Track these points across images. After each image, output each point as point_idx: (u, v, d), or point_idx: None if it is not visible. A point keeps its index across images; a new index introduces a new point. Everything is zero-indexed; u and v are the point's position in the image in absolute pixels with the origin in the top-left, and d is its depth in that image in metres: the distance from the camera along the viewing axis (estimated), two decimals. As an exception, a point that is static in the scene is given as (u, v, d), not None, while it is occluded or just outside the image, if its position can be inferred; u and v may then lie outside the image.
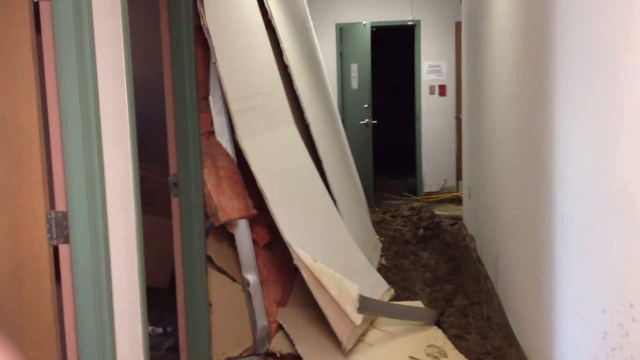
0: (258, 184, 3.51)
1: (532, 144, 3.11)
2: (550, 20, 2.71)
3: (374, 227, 6.28)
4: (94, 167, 2.08)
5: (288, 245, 3.52)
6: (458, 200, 7.81)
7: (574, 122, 2.39)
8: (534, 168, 3.07)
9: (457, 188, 8.31)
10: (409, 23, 8.33)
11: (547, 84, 2.76)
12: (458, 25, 8.05)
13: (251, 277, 3.75)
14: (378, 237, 6.00)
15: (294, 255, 3.52)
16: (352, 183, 5.38)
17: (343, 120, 7.58)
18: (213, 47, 3.46)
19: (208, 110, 3.69)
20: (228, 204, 3.58)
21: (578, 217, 2.36)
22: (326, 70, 6.42)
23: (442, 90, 8.37)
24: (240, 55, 3.72)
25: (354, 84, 7.99)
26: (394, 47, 11.24)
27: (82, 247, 2.04)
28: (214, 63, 3.49)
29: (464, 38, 6.53)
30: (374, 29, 7.84)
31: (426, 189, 8.50)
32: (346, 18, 8.24)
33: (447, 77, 8.35)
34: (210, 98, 3.72)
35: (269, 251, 3.93)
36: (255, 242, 3.81)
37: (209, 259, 3.66)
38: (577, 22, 2.34)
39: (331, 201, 4.20)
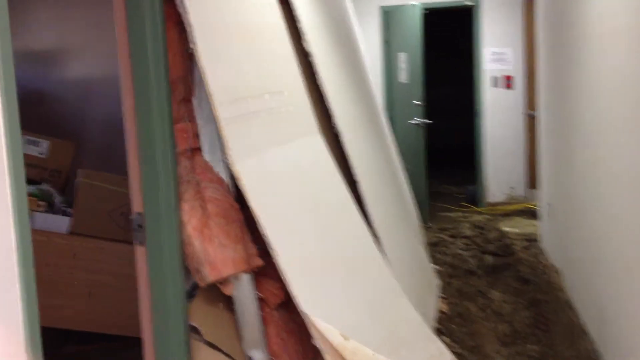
0: (259, 227, 2.39)
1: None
2: None
3: (429, 250, 5.09)
4: None
5: (305, 317, 2.39)
6: (529, 213, 6.53)
7: None
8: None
9: (528, 198, 7.01)
10: (468, 3, 7.08)
11: None
12: (529, 4, 6.75)
13: (258, 355, 2.64)
14: (434, 266, 4.81)
15: (313, 333, 2.38)
16: (400, 204, 4.19)
17: (389, 120, 6.38)
18: (190, 26, 2.34)
19: (190, 118, 2.58)
20: (218, 254, 2.46)
21: None
22: (368, 61, 5.24)
23: (508, 81, 7.08)
24: (236, 39, 2.59)
25: (403, 77, 6.79)
26: (448, 33, 9.98)
27: None
28: (192, 48, 2.37)
29: (541, 17, 5.26)
30: (426, 11, 6.62)
31: (490, 199, 7.23)
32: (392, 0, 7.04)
33: (514, 66, 7.06)
34: (194, 101, 2.61)
35: (284, 313, 2.80)
36: (264, 302, 2.69)
37: (195, 331, 2.56)
38: None
39: (370, 238, 3.03)
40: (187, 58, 2.53)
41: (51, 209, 4.01)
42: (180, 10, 2.35)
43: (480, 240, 5.62)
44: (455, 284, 4.55)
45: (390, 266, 3.12)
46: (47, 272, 3.90)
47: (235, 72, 2.52)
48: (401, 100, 6.90)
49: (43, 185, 4.10)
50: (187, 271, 2.51)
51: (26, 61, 5.83)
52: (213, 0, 2.53)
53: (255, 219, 2.38)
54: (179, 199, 2.45)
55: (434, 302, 4.02)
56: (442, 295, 4.28)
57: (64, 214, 3.99)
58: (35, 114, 5.82)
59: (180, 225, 2.44)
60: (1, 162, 1.59)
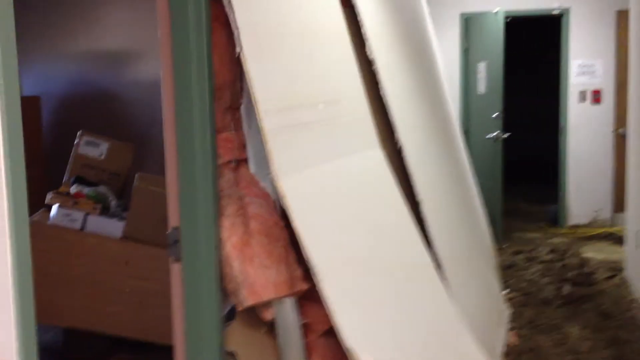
0: (302, 249, 2.17)
1: None
2: None
3: (500, 273, 4.74)
4: None
5: (348, 354, 2.15)
6: (614, 239, 6.04)
7: None
8: None
9: (614, 222, 6.51)
10: (555, 12, 6.65)
11: None
12: (621, 15, 6.27)
13: (299, 386, 2.42)
14: (505, 292, 4.47)
15: (357, 372, 2.14)
16: (470, 224, 3.89)
17: (465, 134, 6.06)
18: (237, 26, 2.15)
19: (237, 127, 2.40)
20: (259, 276, 2.26)
21: None
22: (445, 70, 4.96)
23: (597, 96, 6.61)
24: (288, 42, 2.39)
25: (481, 88, 6.44)
26: (532, 43, 9.50)
27: None
28: (239, 52, 2.18)
29: (636, 28, 4.83)
30: (509, 19, 6.25)
31: (571, 220, 6.76)
32: (474, 6, 6.70)
33: (603, 80, 6.59)
34: (243, 109, 2.42)
35: (331, 340, 2.57)
36: (308, 328, 2.47)
37: (232, 357, 2.37)
38: None
39: (430, 265, 2.76)
40: (236, 63, 2.34)
41: (106, 212, 3.93)
42: (227, 9, 2.17)
43: (558, 266, 5.22)
44: (528, 314, 4.20)
45: (453, 296, 2.84)
46: (100, 277, 3.82)
47: (285, 78, 2.31)
48: (478, 112, 6.55)
49: (100, 187, 4.03)
50: (225, 292, 2.32)
51: (96, 61, 5.85)
52: (266, 2, 2.34)
53: (299, 241, 2.17)
54: (219, 214, 2.26)
55: (502, 334, 3.69)
56: (512, 326, 3.94)
57: (119, 218, 3.91)
58: (103, 114, 5.83)
59: (219, 242, 2.25)
60: None
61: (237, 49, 2.18)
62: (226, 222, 2.28)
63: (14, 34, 1.48)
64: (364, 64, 2.90)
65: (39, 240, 3.84)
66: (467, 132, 6.48)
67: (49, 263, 3.76)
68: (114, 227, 3.83)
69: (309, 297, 2.44)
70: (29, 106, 5.45)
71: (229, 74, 2.33)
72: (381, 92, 2.86)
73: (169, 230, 2.25)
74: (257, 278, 2.25)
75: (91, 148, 4.13)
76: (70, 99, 5.95)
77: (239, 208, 2.33)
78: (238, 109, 2.41)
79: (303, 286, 2.35)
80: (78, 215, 3.78)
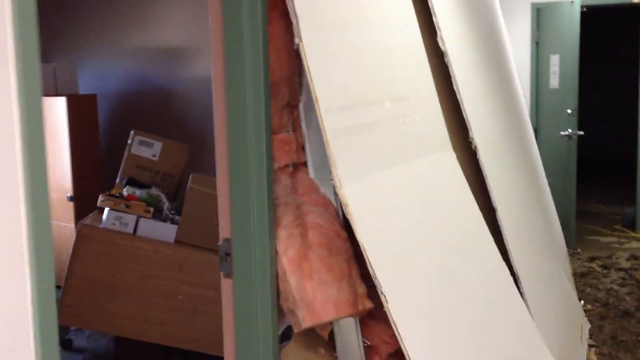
0: (368, 265, 1.93)
1: None
2: None
3: (575, 282, 4.39)
4: None
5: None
6: (701, 245, 5.58)
7: None
8: None
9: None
10: (635, 1, 6.19)
11: None
12: None
13: (362, 415, 2.18)
14: (582, 303, 4.12)
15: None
16: (545, 230, 3.56)
17: (535, 131, 5.69)
18: (296, 16, 1.92)
19: (295, 127, 2.17)
20: (318, 293, 2.02)
21: None
22: (515, 64, 4.62)
23: (681, 90, 6.12)
24: (351, 33, 2.14)
25: (554, 82, 6.04)
26: (606, 33, 8.99)
27: None
28: (298, 44, 1.94)
29: None
30: (585, 9, 5.84)
31: (652, 224, 6.30)
32: (546, -4, 6.30)
33: (688, 72, 6.09)
34: (301, 107, 2.20)
35: (397, 363, 2.32)
36: (373, 350, 2.23)
37: (289, 381, 2.15)
38: None
39: (509, 280, 2.48)
40: (294, 56, 2.12)
41: (159, 215, 3.77)
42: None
43: (639, 274, 4.82)
44: (609, 329, 3.85)
45: (532, 312, 2.55)
46: (152, 284, 3.67)
47: (348, 73, 2.07)
48: (550, 108, 6.16)
49: (153, 189, 3.88)
50: (280, 310, 2.10)
51: (152, 58, 5.73)
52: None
53: (364, 255, 1.92)
54: (274, 224, 2.04)
55: (582, 352, 3.37)
56: (593, 343, 3.60)
57: (172, 221, 3.75)
58: (158, 112, 5.71)
59: (275, 256, 2.03)
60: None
61: (296, 41, 1.95)
62: (282, 234, 2.06)
63: (36, 31, 1.27)
64: (433, 57, 2.63)
65: (90, 245, 3.72)
66: (536, 129, 6.10)
67: (99, 268, 3.62)
68: (166, 231, 3.67)
69: (374, 316, 2.20)
70: (86, 104, 5.37)
71: (286, 69, 2.11)
72: (454, 87, 2.59)
73: (220, 242, 2.04)
74: (316, 296, 2.02)
75: (144, 148, 3.98)
76: (126, 96, 5.86)
77: (297, 217, 2.10)
78: (296, 107, 2.19)
79: (367, 305, 2.11)
80: (130, 218, 3.63)
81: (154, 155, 3.98)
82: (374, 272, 1.90)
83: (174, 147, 4.04)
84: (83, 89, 5.78)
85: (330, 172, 2.10)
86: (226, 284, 2.06)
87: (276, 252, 2.04)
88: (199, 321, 3.63)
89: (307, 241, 2.09)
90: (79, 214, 4.86)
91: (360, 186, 1.99)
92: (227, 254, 2.03)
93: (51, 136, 5.14)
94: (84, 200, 4.81)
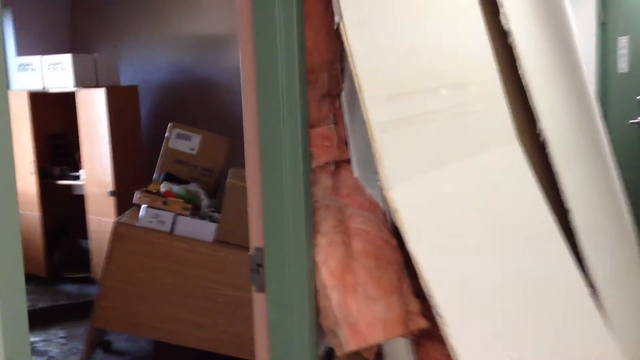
0: (422, 282, 1.65)
1: None
2: None
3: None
4: None
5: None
6: None
7: None
8: None
9: None
10: None
11: None
12: None
13: None
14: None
15: None
16: (621, 232, 3.19)
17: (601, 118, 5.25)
18: (336, -9, 1.64)
19: (337, 119, 1.90)
20: (364, 311, 1.76)
21: None
22: (580, 46, 4.23)
23: None
24: (399, 9, 1.85)
25: (623, 66, 5.59)
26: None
27: None
28: (338, 23, 1.67)
29: None
30: (658, -15, 5.36)
31: None
32: (614, -27, 5.84)
33: None
34: (344, 96, 1.92)
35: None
36: (427, 372, 1.95)
37: (331, 407, 1.89)
38: None
39: (587, 295, 2.15)
40: (335, 37, 1.84)
41: (197, 212, 3.56)
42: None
43: None
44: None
45: (613, 328, 2.22)
46: (190, 285, 3.46)
47: (398, 56, 1.78)
48: (618, 94, 5.71)
49: (191, 185, 3.67)
50: (320, 329, 1.84)
51: (194, 48, 5.53)
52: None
53: (417, 270, 1.65)
54: (312, 231, 1.78)
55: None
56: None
57: (211, 219, 3.53)
58: (199, 104, 5.51)
59: (313, 268, 1.77)
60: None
61: (336, 19, 1.67)
62: (322, 241, 1.79)
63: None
64: (495, 37, 2.31)
65: (125, 244, 3.53)
66: (604, 116, 5.67)
67: (136, 269, 3.44)
68: (205, 230, 3.45)
69: (430, 335, 1.92)
70: (127, 96, 5.21)
71: (326, 52, 1.83)
72: (519, 72, 2.26)
73: (251, 252, 1.79)
74: (361, 314, 1.75)
75: (182, 141, 3.77)
76: (168, 87, 5.69)
77: (339, 223, 1.83)
78: (338, 96, 1.92)
79: (421, 324, 1.83)
80: (167, 216, 3.44)
81: (192, 149, 3.77)
82: (429, 289, 1.62)
83: (213, 140, 3.82)
84: (125, 81, 5.63)
85: (377, 171, 1.83)
86: (258, 299, 1.81)
87: (315, 263, 1.78)
88: (239, 325, 3.41)
89: (351, 250, 1.82)
90: (120, 210, 4.71)
91: (412, 187, 1.70)
92: (259, 265, 1.78)
93: (91, 129, 4.99)
94: (125, 195, 4.65)
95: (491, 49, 2.20)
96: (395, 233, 1.89)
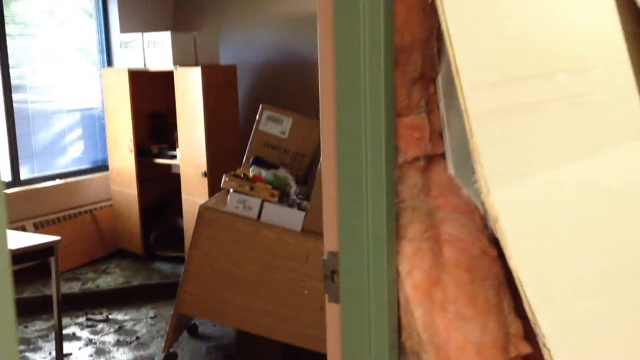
0: (526, 305, 1.37)
1: None
2: None
3: None
4: None
5: None
6: None
7: None
8: None
9: None
10: None
11: None
12: None
13: None
14: None
15: None
16: None
17: None
18: (432, -45, 1.38)
19: (430, 107, 1.64)
20: (454, 332, 1.50)
21: None
22: None
23: None
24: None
25: None
26: None
27: None
28: (433, -5, 1.41)
29: None
30: None
31: None
32: None
33: None
34: (439, 81, 1.66)
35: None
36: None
37: None
38: None
39: None
40: (431, 14, 1.58)
41: (286, 199, 3.39)
42: None
43: None
44: None
45: None
46: (275, 276, 3.31)
47: (504, 34, 1.50)
48: None
49: (280, 170, 3.50)
50: (402, 349, 1.60)
51: (294, 26, 5.36)
52: None
53: (521, 293, 1.37)
54: (396, 236, 1.54)
55: None
56: None
57: (300, 207, 3.35)
58: (298, 84, 5.33)
59: (396, 279, 1.53)
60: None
61: (431, -11, 1.41)
62: (407, 249, 1.55)
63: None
64: (624, 11, 1.95)
65: (211, 229, 3.41)
66: None
67: (221, 255, 3.32)
68: (293, 218, 3.28)
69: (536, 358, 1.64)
70: (224, 75, 5.12)
71: (419, 29, 1.57)
72: (655, 54, 1.90)
73: (324, 256, 1.58)
74: (450, 336, 1.50)
75: (273, 124, 3.60)
76: (267, 67, 5.55)
77: (428, 228, 1.58)
78: (432, 80, 1.65)
79: (524, 349, 1.56)
80: (254, 202, 3.29)
81: (283, 133, 3.60)
82: (535, 316, 1.35)
83: (305, 123, 3.63)
84: (224, 60, 5.55)
85: (474, 171, 1.56)
86: (332, 310, 1.60)
87: (398, 273, 1.54)
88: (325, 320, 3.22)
89: (441, 260, 1.56)
90: (213, 192, 4.64)
91: (518, 192, 1.42)
92: (334, 272, 1.57)
93: (187, 108, 4.94)
94: (218, 177, 4.57)
95: (620, 29, 1.86)
96: (496, 241, 1.62)
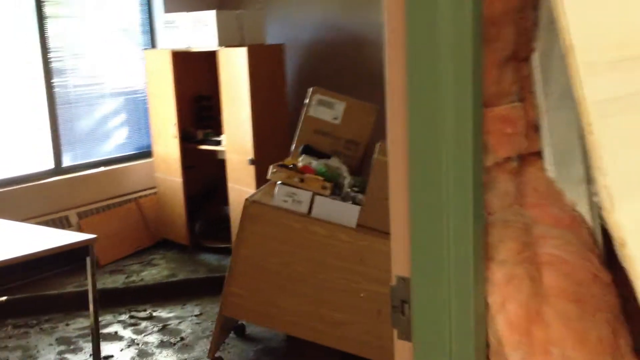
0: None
1: None
2: None
3: None
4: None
5: None
6: None
7: None
8: None
9: None
10: None
11: None
12: None
13: None
14: None
15: None
16: None
17: None
18: None
19: (524, 94, 1.30)
20: (558, 381, 1.18)
21: None
22: None
23: None
24: None
25: None
26: None
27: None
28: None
29: None
30: None
31: None
32: None
33: None
34: (536, 60, 1.32)
35: None
36: None
37: None
38: None
39: None
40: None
41: (338, 192, 3.09)
42: None
43: None
44: None
45: None
46: (328, 277, 3.02)
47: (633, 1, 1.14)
48: None
49: (332, 159, 3.20)
50: (490, 397, 1.29)
51: (345, 3, 5.02)
52: None
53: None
54: (484, 257, 1.22)
55: None
56: None
57: (354, 201, 3.04)
58: (349, 63, 5.00)
59: (484, 312, 1.22)
60: None
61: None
62: (499, 274, 1.23)
63: None
64: None
65: (257, 225, 3.13)
66: None
67: (268, 254, 3.05)
68: (347, 213, 2.98)
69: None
70: (272, 55, 4.83)
71: (512, -4, 1.23)
72: None
73: (392, 283, 1.27)
74: (554, 386, 1.18)
75: (324, 109, 3.29)
76: (316, 46, 5.23)
77: (524, 247, 1.25)
78: (526, 60, 1.31)
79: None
80: (304, 195, 3.00)
81: (335, 118, 3.29)
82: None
83: (360, 107, 3.31)
84: (271, 39, 5.25)
85: (589, 175, 1.23)
86: (401, 349, 1.29)
87: (487, 305, 1.22)
88: (384, 326, 2.92)
89: (541, 288, 1.24)
90: (260, 181, 4.37)
91: (649, 205, 1.08)
92: (404, 302, 1.26)
93: (232, 91, 4.67)
94: (266, 165, 4.30)
95: None
96: (609, 261, 1.28)
